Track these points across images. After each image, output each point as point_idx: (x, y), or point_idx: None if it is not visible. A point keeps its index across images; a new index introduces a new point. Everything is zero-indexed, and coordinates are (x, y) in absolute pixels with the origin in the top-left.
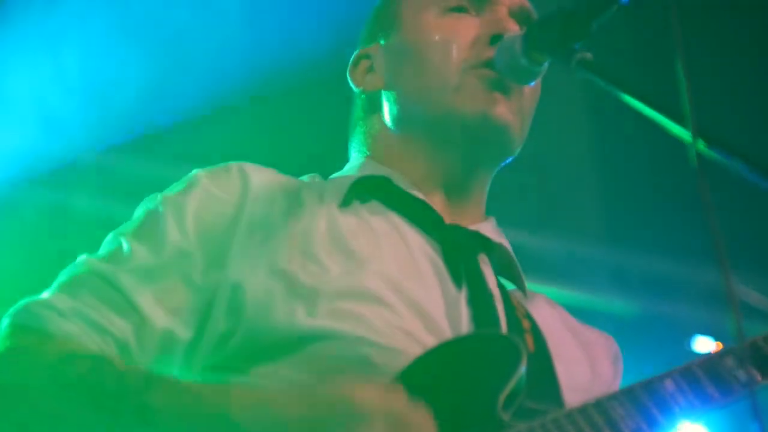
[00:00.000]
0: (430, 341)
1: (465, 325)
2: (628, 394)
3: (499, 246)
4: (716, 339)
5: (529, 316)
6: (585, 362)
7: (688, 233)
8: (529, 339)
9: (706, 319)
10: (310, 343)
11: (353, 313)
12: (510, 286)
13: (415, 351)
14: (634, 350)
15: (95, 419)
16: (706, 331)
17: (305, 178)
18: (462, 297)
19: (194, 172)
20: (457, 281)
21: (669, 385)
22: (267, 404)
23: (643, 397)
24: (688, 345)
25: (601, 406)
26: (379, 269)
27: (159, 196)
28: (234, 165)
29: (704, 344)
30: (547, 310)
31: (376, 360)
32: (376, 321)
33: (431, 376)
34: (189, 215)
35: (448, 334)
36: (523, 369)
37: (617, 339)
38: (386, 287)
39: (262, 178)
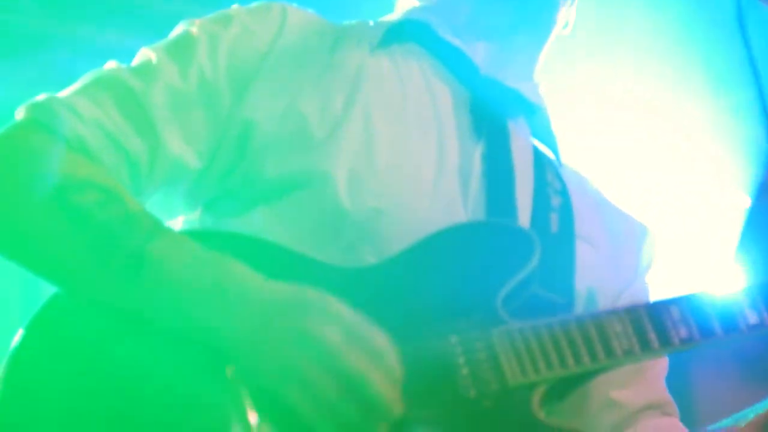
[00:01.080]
0: (425, 201)
1: (475, 180)
2: (630, 312)
3: (538, 108)
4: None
5: (563, 193)
6: (607, 251)
7: None
8: (554, 218)
9: None
10: (299, 188)
11: (348, 163)
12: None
13: (409, 207)
14: None
15: (86, 255)
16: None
17: (349, 22)
18: (477, 151)
19: (234, 6)
20: (477, 134)
21: (674, 312)
22: (255, 289)
23: (645, 320)
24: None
25: (598, 319)
26: (387, 121)
27: (196, 21)
28: (275, 3)
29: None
30: (583, 189)
31: (355, 221)
32: (384, 173)
33: (432, 260)
34: (222, 47)
35: (454, 187)
36: (532, 267)
37: None
38: (392, 143)
39: (301, 18)
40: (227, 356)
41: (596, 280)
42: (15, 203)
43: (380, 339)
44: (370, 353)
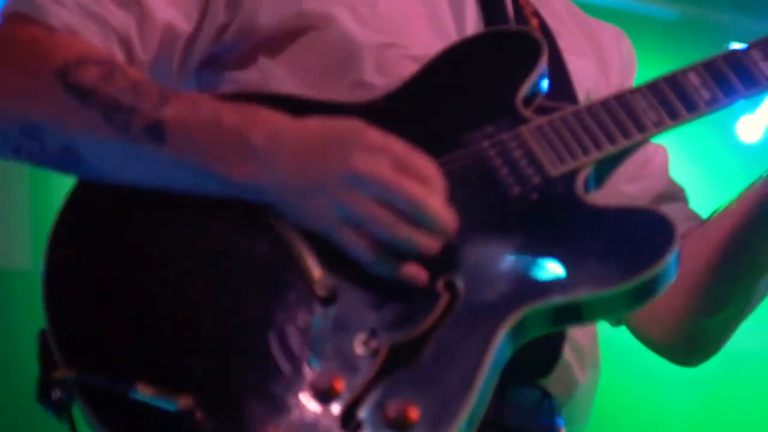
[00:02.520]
0: (433, 42)
1: (471, 18)
2: (651, 87)
3: None
4: None
5: (537, 14)
6: (593, 57)
7: None
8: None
9: (743, 24)
10: (300, 33)
11: (349, 4)
12: None
13: (420, 53)
14: (671, 54)
15: (102, 132)
16: (742, 38)
17: None
18: None
19: None
20: None
21: (693, 77)
22: (284, 130)
23: (666, 90)
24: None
25: (623, 98)
26: None
27: None
28: None
29: None
30: (556, 5)
31: (369, 61)
32: (382, 8)
33: (442, 80)
34: None
35: (451, 28)
36: (544, 63)
37: (655, 42)
38: None
39: None
40: (273, 209)
41: (592, 85)
42: (20, 99)
43: (427, 161)
44: (422, 178)
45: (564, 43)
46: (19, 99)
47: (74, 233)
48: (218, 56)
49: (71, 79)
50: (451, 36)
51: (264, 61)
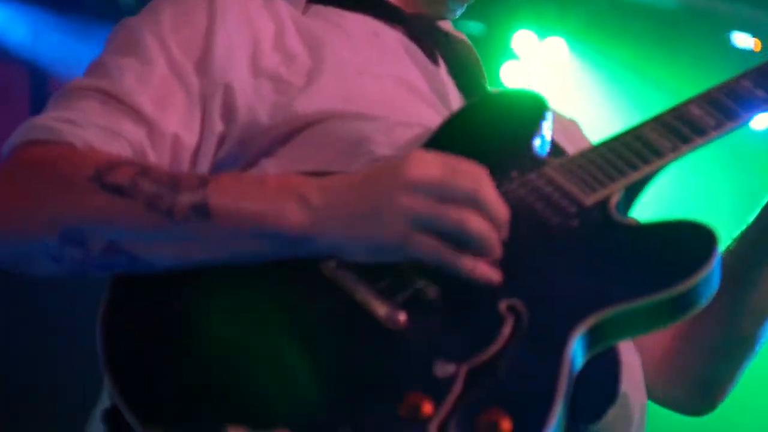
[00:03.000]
0: (428, 113)
1: (452, 96)
2: (658, 120)
3: (461, 41)
4: (754, 35)
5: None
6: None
7: None
8: None
9: (745, 14)
10: (305, 129)
11: (348, 94)
12: None
13: (420, 122)
14: (672, 45)
15: (150, 224)
16: (744, 27)
17: None
18: (441, 71)
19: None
20: (432, 58)
21: (695, 110)
22: (331, 180)
23: (674, 122)
24: (727, 40)
25: (635, 132)
26: (357, 63)
27: (127, 19)
28: None
29: (743, 40)
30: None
31: (378, 137)
32: (372, 97)
33: (455, 143)
34: (165, 28)
35: (438, 105)
36: (550, 112)
37: (656, 32)
38: (373, 75)
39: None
40: (316, 259)
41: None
42: (56, 206)
43: (471, 162)
44: (472, 174)
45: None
46: (57, 207)
47: (131, 306)
48: (222, 166)
49: (107, 180)
50: (444, 106)
51: (267, 163)
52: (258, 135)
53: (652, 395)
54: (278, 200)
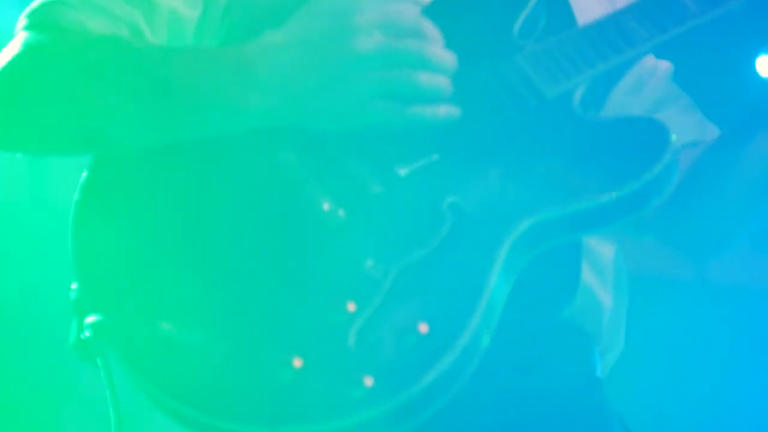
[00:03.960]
0: None
1: None
2: (640, 4)
3: None
4: None
5: None
6: None
7: None
8: None
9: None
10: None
11: None
12: None
13: None
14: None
15: (117, 99)
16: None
17: None
18: None
19: None
20: None
21: None
22: (278, 47)
23: (654, 6)
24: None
25: (613, 18)
26: None
27: None
28: None
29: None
30: None
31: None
32: None
33: (443, 15)
34: None
35: None
36: None
37: None
38: None
39: None
40: (284, 140)
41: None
42: (43, 91)
43: (410, 13)
44: (412, 33)
45: None
46: (39, 95)
47: (100, 190)
48: (222, 37)
49: (82, 59)
50: None
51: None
52: (261, 5)
53: None
54: (232, 81)
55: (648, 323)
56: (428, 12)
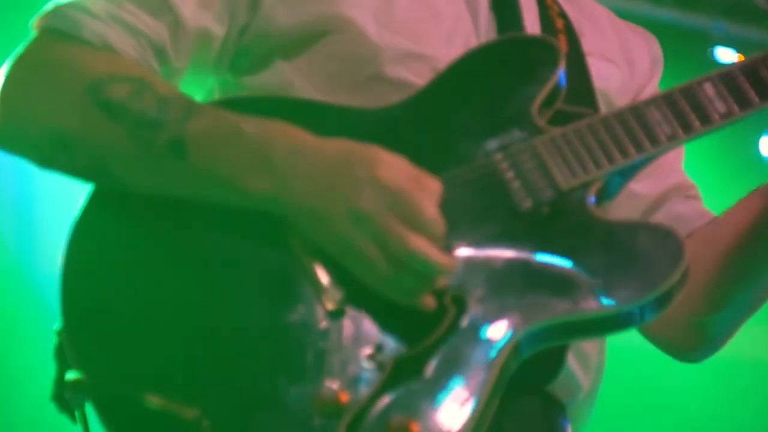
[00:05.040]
0: (444, 40)
1: (483, 13)
2: (666, 98)
3: None
4: (738, 51)
5: (563, 15)
6: (620, 57)
7: None
8: (563, 39)
9: (729, 30)
10: (318, 37)
11: (366, 5)
12: None
13: (433, 51)
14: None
15: (129, 145)
16: (726, 43)
17: None
18: None
19: None
20: None
21: (708, 89)
22: (303, 151)
23: (681, 102)
24: (711, 56)
25: (637, 110)
26: None
27: None
28: None
29: (726, 55)
30: (580, 4)
31: (391, 61)
32: (390, 15)
33: (458, 88)
34: None
35: (467, 22)
36: (561, 71)
37: None
38: None
39: None
40: (284, 220)
41: (616, 88)
42: (56, 112)
43: (429, 208)
44: (412, 221)
45: (588, 45)
46: (51, 114)
47: (94, 236)
48: (237, 60)
49: (101, 95)
50: (469, 41)
51: (280, 65)
52: (276, 31)
53: (649, 335)
54: (248, 158)
55: None
56: (445, 78)
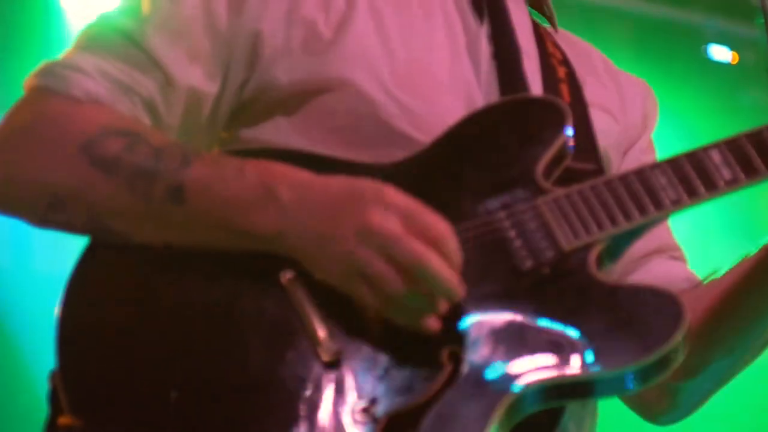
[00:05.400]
0: (449, 102)
1: (485, 62)
2: (672, 163)
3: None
4: (732, 48)
5: (565, 62)
6: (619, 110)
7: None
8: (565, 89)
9: (722, 27)
10: (318, 94)
11: (366, 62)
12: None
13: (433, 99)
14: (649, 57)
15: (127, 198)
16: (721, 40)
17: None
18: (482, 31)
19: None
20: (479, 14)
21: (715, 156)
22: (306, 184)
23: (687, 168)
24: (705, 53)
25: (642, 174)
26: (393, 11)
27: None
28: None
29: (720, 52)
30: (581, 54)
31: (392, 117)
32: (397, 71)
33: (463, 145)
34: None
35: (468, 71)
36: (568, 133)
37: (632, 42)
38: (402, 34)
39: None
40: (283, 262)
41: (609, 140)
42: (47, 173)
43: (440, 224)
44: (431, 240)
45: (590, 94)
46: (45, 174)
47: (91, 283)
48: (236, 115)
49: (95, 152)
50: (471, 92)
51: (280, 120)
52: (276, 86)
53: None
54: (253, 195)
55: None
56: (450, 137)
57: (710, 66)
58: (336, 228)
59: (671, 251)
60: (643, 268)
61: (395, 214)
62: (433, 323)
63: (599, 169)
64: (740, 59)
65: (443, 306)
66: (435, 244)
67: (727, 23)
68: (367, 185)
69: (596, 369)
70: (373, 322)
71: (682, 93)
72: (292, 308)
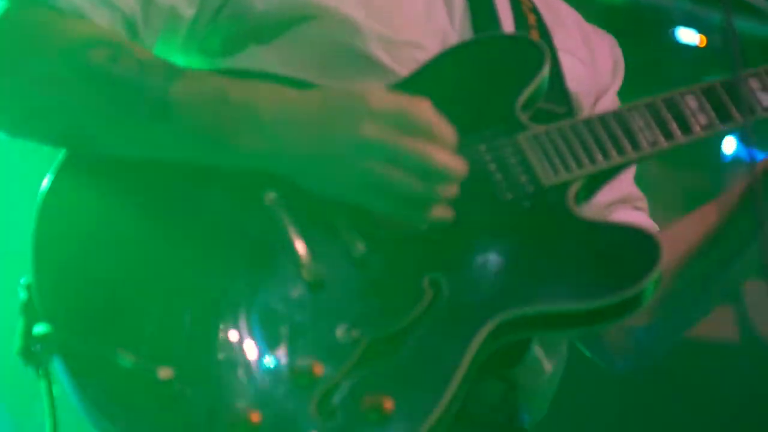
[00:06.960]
0: (421, 33)
1: (459, 8)
2: (649, 106)
3: None
4: (699, 31)
5: (535, 10)
6: (588, 59)
7: None
8: (534, 34)
9: (690, 10)
10: (295, 24)
11: None
12: None
13: (411, 37)
14: (617, 40)
15: (112, 110)
16: (689, 23)
17: None
18: None
19: None
20: None
21: (691, 102)
22: (290, 102)
23: (664, 111)
24: (672, 36)
25: (620, 116)
26: None
27: None
28: None
29: (687, 35)
30: (550, 3)
31: (367, 48)
32: (369, 3)
33: (442, 79)
34: None
35: (443, 17)
36: (546, 71)
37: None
38: None
39: None
40: (272, 180)
41: (580, 87)
42: (30, 79)
43: (424, 112)
44: (424, 132)
45: (559, 42)
46: (26, 82)
47: (68, 192)
48: (209, 41)
49: (78, 59)
50: (445, 31)
51: (255, 49)
52: (252, 13)
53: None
54: (235, 117)
55: None
56: (431, 69)
57: (678, 49)
58: (332, 148)
59: (635, 201)
60: (609, 217)
61: (385, 120)
62: (445, 211)
63: (570, 111)
64: (708, 42)
65: (451, 191)
66: (430, 135)
67: (695, 6)
68: (348, 94)
69: (571, 302)
70: (357, 243)
71: (649, 76)
72: (279, 231)
